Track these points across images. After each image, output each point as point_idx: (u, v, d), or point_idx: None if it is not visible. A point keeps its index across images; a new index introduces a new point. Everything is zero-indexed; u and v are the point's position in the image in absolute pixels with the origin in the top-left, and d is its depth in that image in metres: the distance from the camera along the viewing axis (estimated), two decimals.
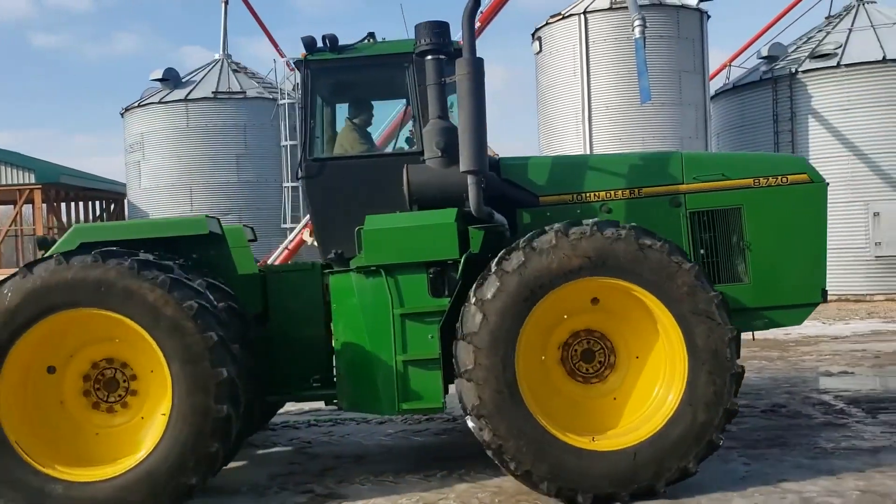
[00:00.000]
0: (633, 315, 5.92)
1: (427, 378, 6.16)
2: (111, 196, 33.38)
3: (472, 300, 5.70)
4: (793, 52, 22.57)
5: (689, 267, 5.60)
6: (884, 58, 20.53)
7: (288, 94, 23.71)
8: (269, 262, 19.54)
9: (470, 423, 5.76)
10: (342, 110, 7.57)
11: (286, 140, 23.78)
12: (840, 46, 21.45)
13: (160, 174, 24.78)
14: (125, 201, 28.23)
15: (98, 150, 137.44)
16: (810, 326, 15.10)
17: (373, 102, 7.53)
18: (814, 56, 21.63)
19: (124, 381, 6.07)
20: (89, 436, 6.01)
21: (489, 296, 5.63)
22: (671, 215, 6.72)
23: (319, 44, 6.95)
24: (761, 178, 6.72)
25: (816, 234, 6.71)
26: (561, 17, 22.02)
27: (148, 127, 25.06)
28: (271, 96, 24.47)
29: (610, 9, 21.11)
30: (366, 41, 7.23)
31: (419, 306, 6.18)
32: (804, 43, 22.80)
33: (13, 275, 5.82)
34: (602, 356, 6.07)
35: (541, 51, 22.67)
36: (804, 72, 21.28)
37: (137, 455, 5.75)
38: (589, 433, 5.78)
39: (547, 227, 5.80)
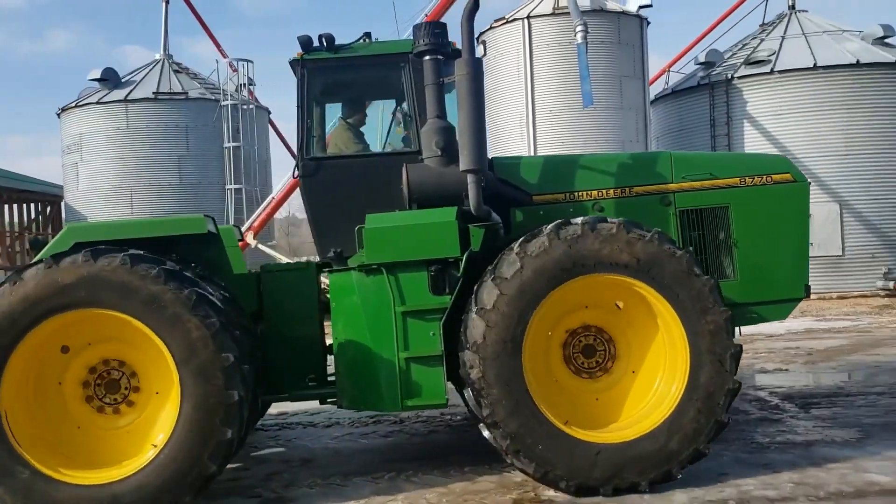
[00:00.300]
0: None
1: (430, 375, 6.19)
2: (47, 198, 32.49)
3: (474, 309, 5.77)
4: (729, 58, 23.20)
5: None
6: (815, 65, 21.24)
7: (230, 96, 23.49)
8: None
9: (485, 433, 5.84)
10: (334, 110, 7.59)
11: (229, 142, 23.57)
12: (773, 53, 22.13)
13: (99, 176, 24.24)
14: (62, 204, 27.54)
15: (33, 151, 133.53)
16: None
17: (365, 102, 7.59)
18: (748, 62, 22.27)
19: (124, 380, 6.02)
20: (97, 438, 5.94)
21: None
22: (661, 213, 6.87)
23: (315, 43, 6.98)
24: (747, 178, 6.93)
25: (799, 232, 6.94)
26: (505, 21, 22.26)
27: (86, 128, 24.50)
28: (214, 97, 24.18)
29: (553, 14, 21.42)
30: (361, 41, 7.26)
31: (420, 304, 6.21)
32: (739, 49, 23.46)
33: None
34: (602, 351, 6.25)
35: (485, 54, 22.85)
36: (739, 78, 21.89)
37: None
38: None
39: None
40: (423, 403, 6.30)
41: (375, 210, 6.46)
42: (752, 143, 21.38)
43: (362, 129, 7.56)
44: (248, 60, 24.14)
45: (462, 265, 6.16)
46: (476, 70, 6.24)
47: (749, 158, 8.13)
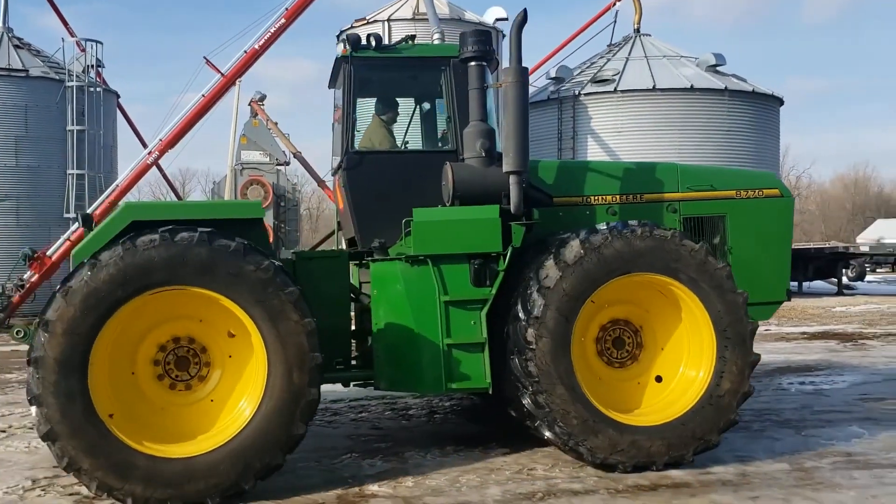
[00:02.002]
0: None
1: (472, 360, 6.56)
2: None
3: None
4: (577, 75, 24.43)
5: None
6: (654, 87, 22.75)
7: (77, 76, 22.43)
8: (49, 253, 18.44)
9: (525, 400, 6.40)
10: (369, 106, 7.97)
11: (73, 124, 22.50)
12: (618, 73, 23.51)
13: None
14: None
15: None
16: None
17: (398, 101, 8.00)
18: (595, 81, 23.55)
19: (195, 358, 6.19)
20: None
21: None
22: (669, 220, 7.48)
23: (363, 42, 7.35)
24: (742, 191, 7.67)
25: (784, 241, 7.74)
26: (366, 21, 22.49)
27: None
28: (58, 77, 22.98)
29: (413, 19, 21.85)
30: (405, 42, 7.69)
31: (463, 294, 6.60)
32: (587, 68, 24.75)
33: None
34: (630, 342, 6.90)
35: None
36: (586, 94, 23.12)
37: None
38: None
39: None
40: (466, 387, 6.66)
41: (413, 204, 6.79)
42: (595, 156, 22.64)
43: (393, 126, 7.96)
44: (97, 41, 23.15)
45: (506, 260, 6.60)
46: (523, 78, 6.65)
47: (744, 173, 8.84)
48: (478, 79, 6.98)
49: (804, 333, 16.46)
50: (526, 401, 6.41)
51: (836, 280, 27.36)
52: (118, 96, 25.98)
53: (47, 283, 19.16)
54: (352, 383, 7.23)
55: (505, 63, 6.94)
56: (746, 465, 6.62)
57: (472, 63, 6.98)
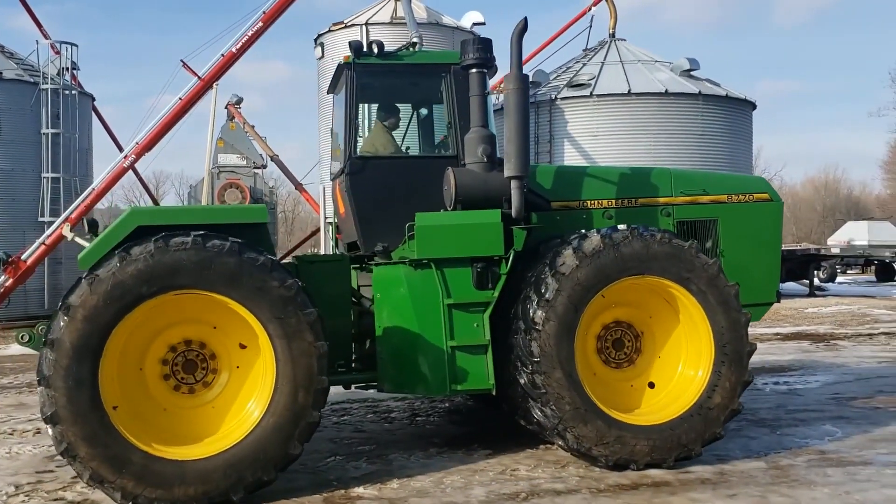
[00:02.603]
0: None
1: (476, 362, 6.66)
2: None
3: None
4: (554, 79, 24.60)
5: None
6: (629, 91, 22.97)
7: (52, 79, 22.24)
8: (24, 257, 18.25)
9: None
10: (371, 112, 8.09)
11: (47, 127, 22.30)
12: (593, 78, 23.71)
13: None
14: None
15: None
16: None
17: (399, 106, 8.08)
18: (571, 85, 23.74)
19: (202, 361, 6.27)
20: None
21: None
22: (663, 223, 7.64)
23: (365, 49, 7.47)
24: (733, 196, 7.86)
25: (774, 244, 7.93)
26: (343, 25, 22.50)
27: None
28: (32, 80, 22.74)
29: (391, 23, 21.90)
30: (407, 49, 7.79)
31: (465, 297, 6.69)
32: (564, 72, 24.94)
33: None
34: (630, 346, 7.03)
35: (323, 56, 23.01)
36: (562, 99, 23.28)
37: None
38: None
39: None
40: (470, 388, 6.73)
41: (415, 208, 6.88)
42: (571, 160, 22.80)
43: (394, 132, 8.04)
44: (72, 44, 22.95)
45: (509, 263, 6.72)
46: (524, 85, 6.76)
47: (735, 178, 9.08)
48: (479, 85, 7.09)
49: (778, 334, 16.73)
50: (523, 379, 6.53)
51: (807, 282, 27.76)
52: (93, 99, 25.77)
53: (21, 288, 19.00)
54: (353, 385, 7.30)
55: (503, 70, 7.07)
56: (724, 463, 6.77)
57: (474, 70, 7.09)
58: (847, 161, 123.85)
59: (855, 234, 35.27)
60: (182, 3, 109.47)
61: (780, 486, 6.18)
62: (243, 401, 6.17)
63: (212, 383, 6.28)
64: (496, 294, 6.76)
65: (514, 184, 6.85)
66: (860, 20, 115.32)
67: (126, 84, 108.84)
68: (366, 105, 8.15)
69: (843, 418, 8.47)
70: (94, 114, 26.00)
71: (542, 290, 6.47)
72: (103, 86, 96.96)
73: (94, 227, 6.76)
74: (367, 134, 8.10)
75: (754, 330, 17.17)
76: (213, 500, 5.79)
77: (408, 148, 8.49)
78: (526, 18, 6.93)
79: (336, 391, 7.81)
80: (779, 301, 8.14)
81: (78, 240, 20.21)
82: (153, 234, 5.81)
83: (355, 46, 7.55)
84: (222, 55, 19.15)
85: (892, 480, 6.28)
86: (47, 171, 22.26)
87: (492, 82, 7.91)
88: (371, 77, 7.70)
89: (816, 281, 29.13)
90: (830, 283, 32.60)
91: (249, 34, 19.13)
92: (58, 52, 23.04)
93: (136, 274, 5.68)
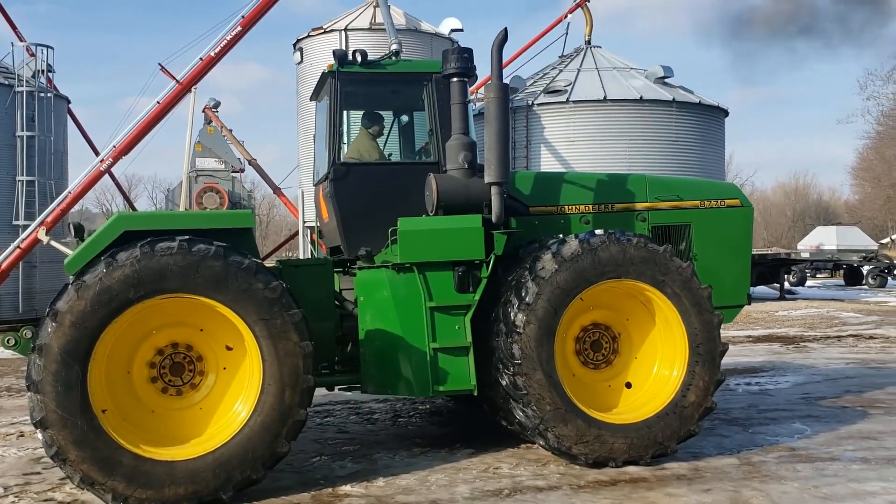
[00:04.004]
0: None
1: (458, 363, 6.79)
2: None
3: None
4: (531, 85, 24.88)
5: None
6: (605, 97, 23.30)
7: (27, 82, 22.09)
8: None
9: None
10: (354, 119, 8.22)
11: (22, 130, 22.13)
12: (570, 84, 24.02)
13: None
14: None
15: None
16: None
17: (382, 113, 8.23)
18: (547, 91, 24.02)
19: (190, 365, 6.35)
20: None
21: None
22: (638, 228, 7.84)
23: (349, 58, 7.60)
24: (706, 201, 8.09)
25: (745, 248, 8.14)
26: (323, 31, 22.60)
27: None
28: (7, 82, 22.57)
29: (370, 29, 22.04)
30: (389, 58, 7.96)
31: (447, 300, 6.83)
32: (540, 78, 25.23)
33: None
34: (607, 347, 7.21)
35: (302, 61, 23.09)
36: (539, 105, 23.56)
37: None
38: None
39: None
40: (452, 389, 6.85)
41: (397, 213, 7.00)
42: (548, 165, 23.08)
43: (378, 139, 8.18)
44: (48, 46, 22.82)
45: (489, 267, 6.88)
46: (504, 94, 6.93)
47: (707, 184, 9.23)
48: (460, 94, 7.26)
49: (749, 337, 17.07)
50: (505, 381, 6.70)
51: (778, 285, 28.24)
52: (69, 102, 25.61)
53: None
54: (336, 387, 7.43)
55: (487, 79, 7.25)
56: (698, 460, 7.00)
57: (455, 79, 7.25)
58: (817, 167, 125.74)
59: (824, 238, 35.90)
60: (154, 3, 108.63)
61: (752, 481, 6.41)
62: (230, 401, 6.28)
63: (199, 385, 6.38)
64: (477, 297, 6.93)
65: (494, 189, 7.03)
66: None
67: (98, 85, 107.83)
68: (349, 112, 8.29)
69: (811, 417, 8.75)
70: (69, 116, 25.85)
71: (523, 294, 6.65)
72: (74, 86, 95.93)
73: (79, 232, 6.82)
74: (350, 141, 8.25)
75: (727, 332, 17.54)
76: (203, 500, 5.89)
77: (390, 154, 8.64)
78: (506, 29, 7.11)
79: (318, 393, 7.91)
80: (749, 303, 8.39)
81: (54, 243, 20.11)
82: (139, 240, 5.90)
83: (339, 55, 7.70)
84: (201, 59, 19.20)
85: (858, 475, 6.54)
86: (22, 175, 22.08)
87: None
88: (354, 85, 7.86)
89: (787, 285, 29.64)
90: (800, 287, 33.17)
91: (228, 38, 19.20)
92: (33, 55, 22.88)
93: (123, 279, 5.77)
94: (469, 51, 7.45)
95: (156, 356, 6.32)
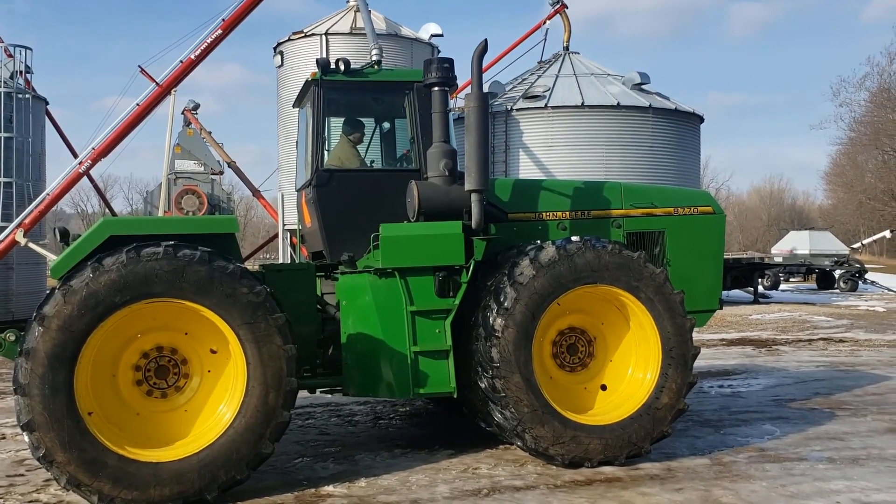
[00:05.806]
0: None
1: (438, 367, 6.92)
2: None
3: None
4: (510, 90, 25.08)
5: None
6: (582, 103, 23.54)
7: (4, 83, 21.98)
8: None
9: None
10: (336, 126, 8.36)
11: (0, 131, 21.99)
12: (548, 90, 24.24)
13: None
14: None
15: None
16: None
17: (363, 121, 8.37)
18: (526, 96, 24.24)
19: (175, 368, 6.46)
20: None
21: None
22: (614, 235, 8.03)
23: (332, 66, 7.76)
24: (679, 208, 8.31)
25: (717, 254, 8.38)
26: (303, 34, 22.64)
27: None
28: None
29: (350, 33, 22.12)
30: (372, 67, 8.13)
31: (428, 305, 6.96)
32: (519, 84, 25.44)
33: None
34: (583, 350, 7.39)
35: (282, 65, 23.13)
36: (518, 110, 23.75)
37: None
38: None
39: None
40: (432, 391, 6.99)
41: (380, 219, 7.14)
42: (526, 170, 23.28)
43: (359, 146, 8.31)
44: (26, 47, 22.71)
45: (469, 272, 7.03)
46: (483, 103, 7.11)
47: (681, 192, 9.49)
48: (441, 103, 7.42)
49: (723, 340, 17.38)
50: (484, 384, 6.87)
51: (752, 289, 28.64)
52: (47, 103, 25.47)
53: None
54: (318, 390, 7.57)
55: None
56: (671, 460, 7.22)
57: (436, 88, 7.41)
58: (791, 172, 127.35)
59: (797, 243, 36.39)
60: (130, 2, 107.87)
61: (723, 480, 6.64)
62: (215, 403, 6.40)
63: (184, 388, 6.50)
64: (457, 301, 7.09)
65: (474, 196, 7.20)
66: (804, 34, 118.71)
67: (75, 84, 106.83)
68: (331, 119, 8.43)
69: (781, 418, 9.00)
70: (47, 118, 25.72)
71: (502, 299, 6.83)
72: (55, 88, 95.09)
73: (65, 237, 6.91)
74: (332, 147, 8.40)
75: (701, 336, 17.85)
76: (188, 500, 6.01)
77: (372, 161, 8.79)
78: (486, 40, 7.29)
79: (300, 396, 8.03)
80: (721, 308, 8.62)
81: (32, 245, 20.00)
82: (124, 245, 6.01)
83: (322, 63, 7.86)
84: (181, 62, 19.24)
85: (824, 474, 6.78)
86: (0, 176, 21.97)
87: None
88: (337, 93, 8.03)
89: (760, 288, 30.06)
90: (774, 291, 33.63)
91: (209, 41, 19.26)
92: (11, 56, 22.77)
93: (109, 284, 5.87)
94: (450, 61, 7.61)
95: (141, 359, 6.42)
